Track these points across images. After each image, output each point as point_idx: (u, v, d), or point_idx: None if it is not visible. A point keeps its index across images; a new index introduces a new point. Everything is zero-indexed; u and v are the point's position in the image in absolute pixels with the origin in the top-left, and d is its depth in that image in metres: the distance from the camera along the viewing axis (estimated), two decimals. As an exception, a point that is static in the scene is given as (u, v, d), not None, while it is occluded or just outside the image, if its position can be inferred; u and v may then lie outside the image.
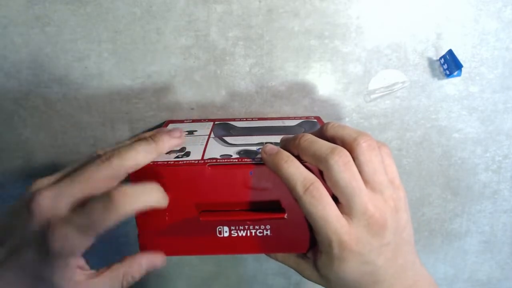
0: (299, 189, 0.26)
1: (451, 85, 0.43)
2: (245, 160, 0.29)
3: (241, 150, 0.32)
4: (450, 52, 0.41)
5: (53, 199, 0.26)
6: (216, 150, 0.32)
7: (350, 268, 0.26)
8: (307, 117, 0.42)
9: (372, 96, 0.43)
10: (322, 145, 0.27)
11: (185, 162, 0.29)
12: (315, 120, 0.41)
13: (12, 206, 0.28)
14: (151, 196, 0.27)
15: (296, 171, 0.27)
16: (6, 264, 0.26)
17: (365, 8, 0.40)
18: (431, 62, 0.42)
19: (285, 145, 0.30)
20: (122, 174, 0.28)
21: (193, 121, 0.42)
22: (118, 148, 0.28)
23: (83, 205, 0.26)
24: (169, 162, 0.30)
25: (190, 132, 0.38)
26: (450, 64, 0.41)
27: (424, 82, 0.43)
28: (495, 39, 0.41)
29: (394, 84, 0.43)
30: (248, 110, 0.43)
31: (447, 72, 0.42)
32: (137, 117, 0.43)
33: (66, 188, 0.26)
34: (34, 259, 0.26)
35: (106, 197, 0.25)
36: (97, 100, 0.42)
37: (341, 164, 0.25)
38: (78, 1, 0.39)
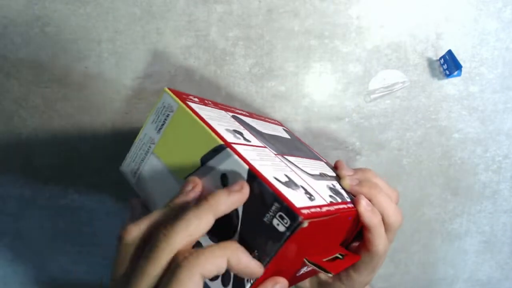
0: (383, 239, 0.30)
1: (451, 85, 0.43)
2: (349, 207, 0.27)
3: (329, 187, 0.29)
4: (449, 52, 0.41)
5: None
6: (310, 183, 0.27)
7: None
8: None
9: (372, 96, 0.43)
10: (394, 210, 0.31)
11: (336, 209, 0.25)
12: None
13: None
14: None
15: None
16: None
17: (365, 8, 0.40)
18: (431, 62, 0.42)
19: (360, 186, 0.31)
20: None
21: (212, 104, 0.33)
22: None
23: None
24: (330, 210, 0.25)
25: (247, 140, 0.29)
26: (449, 64, 0.41)
27: (424, 82, 0.43)
28: (495, 39, 0.41)
29: (394, 84, 0.43)
30: (248, 110, 0.43)
31: (447, 72, 0.42)
32: (137, 117, 0.43)
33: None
34: None
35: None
36: (97, 100, 0.42)
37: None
38: (78, 1, 0.39)
